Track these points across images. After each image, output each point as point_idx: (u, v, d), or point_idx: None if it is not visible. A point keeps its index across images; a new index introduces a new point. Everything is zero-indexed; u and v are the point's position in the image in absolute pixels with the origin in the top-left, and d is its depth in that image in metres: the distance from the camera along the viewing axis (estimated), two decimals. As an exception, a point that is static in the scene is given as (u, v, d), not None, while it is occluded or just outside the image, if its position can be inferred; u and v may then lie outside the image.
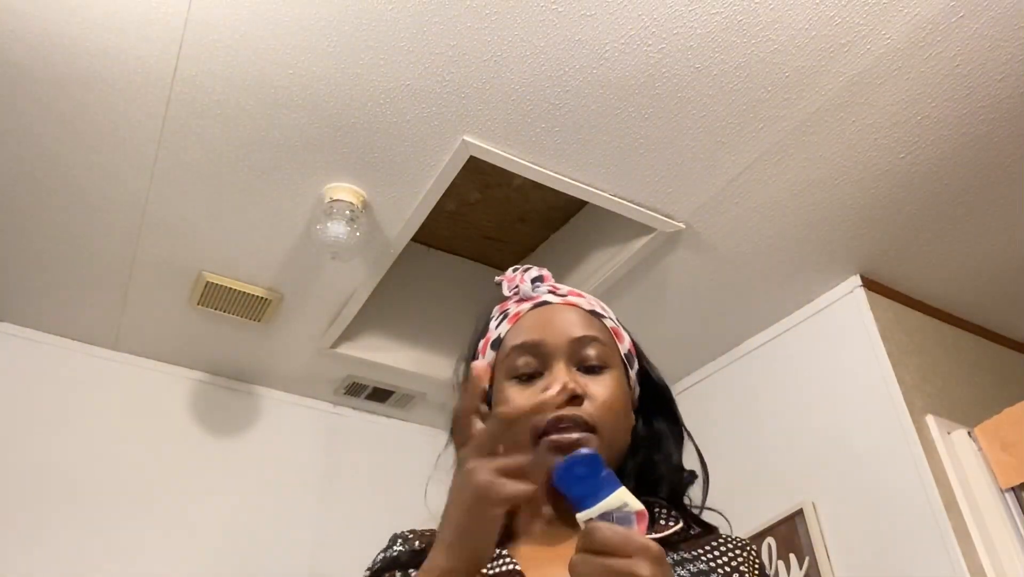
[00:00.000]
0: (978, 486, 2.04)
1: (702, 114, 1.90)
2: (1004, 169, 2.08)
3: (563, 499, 0.68)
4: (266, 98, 1.84)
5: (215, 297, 2.37)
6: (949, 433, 2.12)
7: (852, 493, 2.16)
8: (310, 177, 2.04)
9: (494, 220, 2.63)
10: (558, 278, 1.01)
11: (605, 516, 0.62)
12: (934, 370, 2.32)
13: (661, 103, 1.87)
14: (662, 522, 0.84)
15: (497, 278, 1.00)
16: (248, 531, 2.54)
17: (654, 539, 0.64)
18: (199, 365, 2.70)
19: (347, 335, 2.59)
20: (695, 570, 0.79)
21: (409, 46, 1.73)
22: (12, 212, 2.10)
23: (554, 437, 0.82)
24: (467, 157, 1.98)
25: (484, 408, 0.73)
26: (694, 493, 0.92)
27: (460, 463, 0.68)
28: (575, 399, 0.84)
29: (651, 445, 0.92)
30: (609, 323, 0.95)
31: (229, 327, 2.52)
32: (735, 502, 2.46)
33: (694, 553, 0.81)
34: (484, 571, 0.78)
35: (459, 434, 0.69)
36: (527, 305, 0.94)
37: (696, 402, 2.70)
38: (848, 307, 2.37)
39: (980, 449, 2.10)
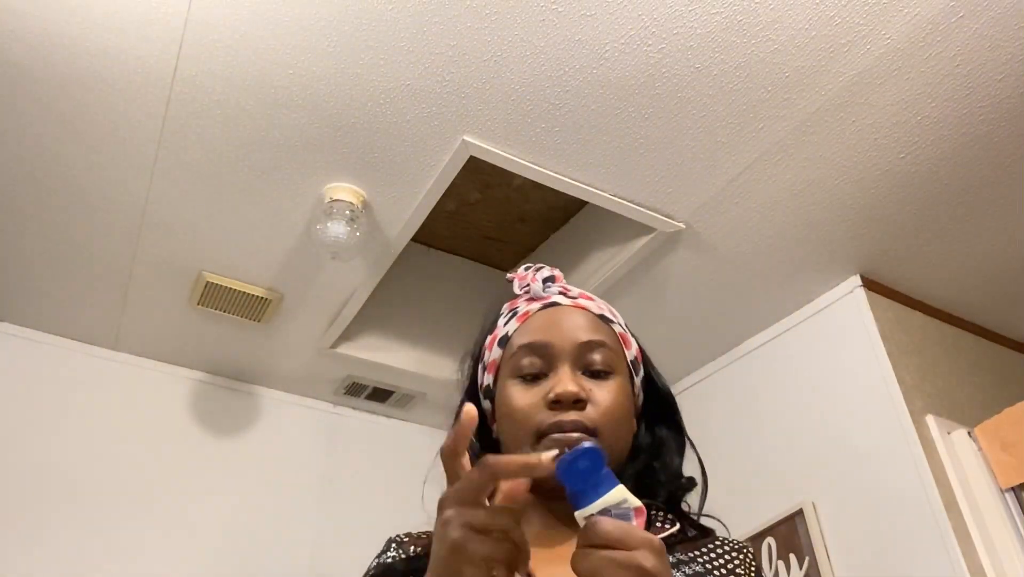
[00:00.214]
0: (978, 486, 2.04)
1: (702, 114, 1.90)
2: (1004, 169, 2.08)
3: (562, 500, 0.68)
4: (266, 98, 1.84)
5: (215, 297, 2.37)
6: (949, 433, 2.12)
7: (852, 493, 2.16)
8: (310, 177, 2.04)
9: (494, 220, 2.63)
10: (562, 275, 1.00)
11: (604, 513, 0.63)
12: (934, 370, 2.32)
13: (661, 103, 1.87)
14: (659, 525, 0.84)
15: (508, 275, 0.99)
16: (248, 531, 2.54)
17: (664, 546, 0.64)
18: (199, 365, 2.70)
19: (347, 335, 2.60)
20: (691, 573, 0.78)
21: (409, 46, 1.73)
22: (12, 212, 2.10)
23: (555, 437, 0.82)
24: (467, 157, 1.98)
25: (474, 442, 0.69)
26: (692, 500, 0.91)
27: (439, 507, 0.63)
28: (578, 403, 0.84)
29: (652, 452, 0.92)
30: (617, 328, 0.94)
31: (229, 327, 2.52)
32: (735, 502, 2.48)
33: (691, 555, 0.81)
34: None
35: (447, 476, 0.65)
36: (536, 305, 0.94)
37: (696, 402, 2.70)
38: (848, 307, 2.37)
39: (980, 449, 2.11)
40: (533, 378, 0.88)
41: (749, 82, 1.82)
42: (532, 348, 0.89)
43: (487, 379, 0.94)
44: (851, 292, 2.38)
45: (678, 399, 0.98)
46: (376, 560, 0.88)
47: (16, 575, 2.17)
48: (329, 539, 2.63)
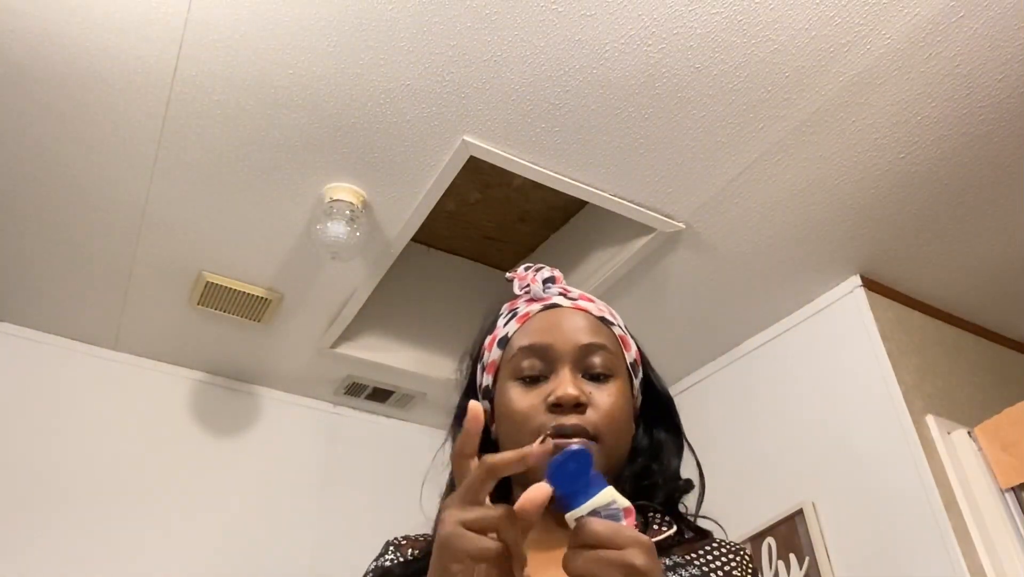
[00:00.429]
0: (978, 486, 2.04)
1: (702, 114, 1.90)
2: (1004, 169, 2.08)
3: (555, 502, 0.68)
4: (266, 98, 1.84)
5: (215, 297, 2.37)
6: (949, 433, 2.12)
7: (852, 493, 2.16)
8: (310, 177, 2.04)
9: (494, 220, 2.63)
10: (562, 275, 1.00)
11: (594, 514, 0.63)
12: (934, 370, 2.32)
13: (661, 103, 1.87)
14: (655, 527, 0.84)
15: (508, 274, 0.99)
16: (248, 531, 2.54)
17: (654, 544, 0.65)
18: (199, 365, 2.70)
19: (347, 335, 2.60)
20: (688, 575, 0.79)
21: (409, 46, 1.73)
22: (12, 212, 2.10)
23: (553, 441, 0.82)
24: (467, 157, 1.98)
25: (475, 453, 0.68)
26: (690, 501, 0.91)
27: (441, 508, 0.65)
28: (578, 407, 0.84)
29: (650, 454, 0.92)
30: (617, 331, 0.94)
31: (229, 327, 2.52)
32: (735, 502, 2.49)
33: (687, 558, 0.81)
34: None
35: (456, 478, 0.65)
36: (537, 306, 0.94)
37: (696, 402, 2.70)
38: (848, 307, 2.37)
39: (980, 449, 2.11)
40: (533, 380, 0.88)
41: (749, 82, 1.82)
42: (532, 350, 0.89)
43: (486, 380, 0.94)
44: (851, 292, 2.38)
45: (678, 399, 0.98)
46: (374, 563, 0.88)
47: (16, 575, 2.18)
48: (329, 539, 2.63)
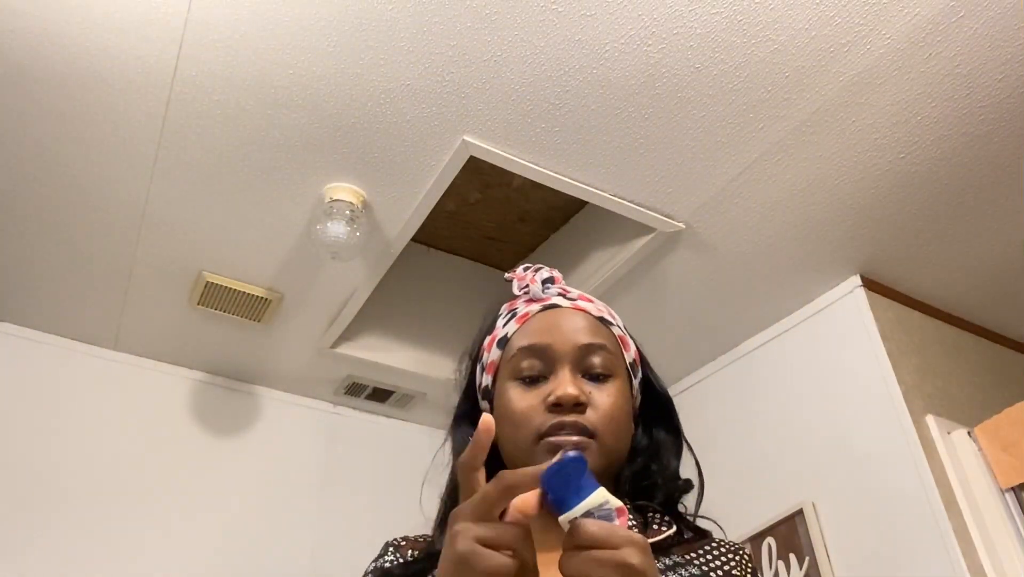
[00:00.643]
0: (978, 486, 2.04)
1: (702, 114, 1.90)
2: (1004, 169, 2.08)
3: (548, 505, 0.68)
4: (266, 98, 1.84)
5: (215, 297, 2.37)
6: (949, 433, 2.12)
7: (852, 493, 2.16)
8: (310, 177, 2.04)
9: (494, 220, 2.63)
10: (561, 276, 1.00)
11: (587, 515, 0.63)
12: (934, 370, 2.32)
13: (661, 103, 1.87)
14: (655, 527, 0.84)
15: (507, 275, 0.99)
16: (248, 531, 2.54)
17: (649, 543, 0.65)
18: (199, 365, 2.70)
19: (347, 335, 2.60)
20: (687, 575, 0.79)
21: (409, 46, 1.73)
22: (12, 212, 2.10)
23: (553, 440, 0.82)
24: (467, 157, 1.98)
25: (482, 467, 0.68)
26: (689, 501, 0.91)
27: (452, 520, 0.63)
28: (578, 406, 0.84)
29: (649, 454, 0.92)
30: (616, 331, 0.94)
31: (229, 327, 2.53)
32: (735, 502, 2.48)
33: (687, 557, 0.81)
34: None
35: (463, 489, 0.65)
36: (536, 307, 0.93)
37: (696, 402, 2.70)
38: (848, 307, 2.37)
39: (980, 449, 2.10)
40: (533, 380, 0.88)
41: (749, 82, 1.82)
42: (532, 350, 0.89)
43: (486, 380, 0.94)
44: (851, 292, 2.38)
45: (678, 399, 0.98)
46: (373, 563, 0.88)
47: (16, 575, 2.18)
48: (329, 539, 2.63)
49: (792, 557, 2.18)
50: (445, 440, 0.99)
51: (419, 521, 0.91)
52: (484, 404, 0.94)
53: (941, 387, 2.29)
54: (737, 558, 0.84)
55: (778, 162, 2.03)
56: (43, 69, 1.75)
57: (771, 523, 2.27)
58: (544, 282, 0.95)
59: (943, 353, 2.42)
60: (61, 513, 2.31)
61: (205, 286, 2.33)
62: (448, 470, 0.92)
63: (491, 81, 1.80)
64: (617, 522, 0.63)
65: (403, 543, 0.89)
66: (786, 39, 1.74)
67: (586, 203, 2.38)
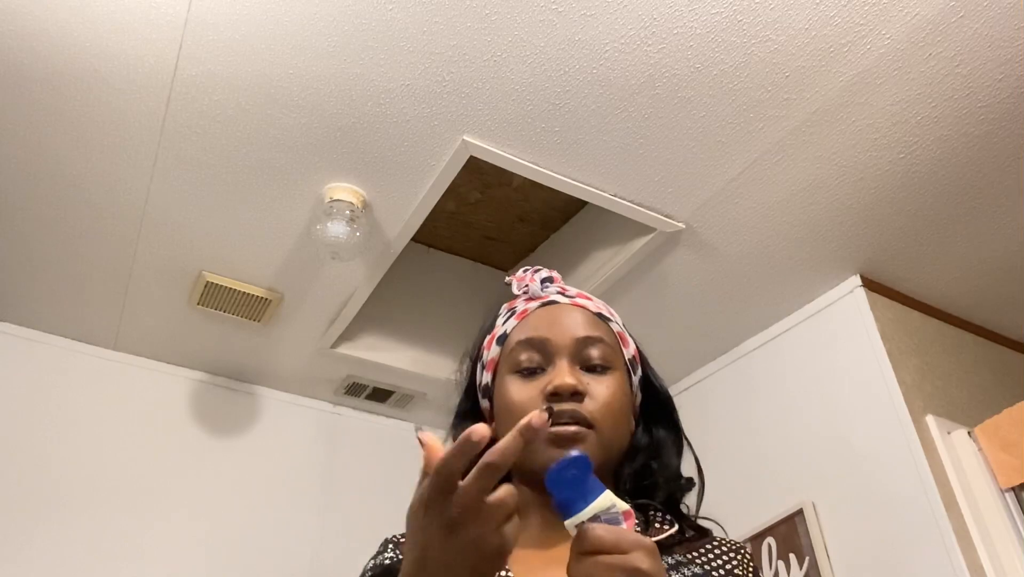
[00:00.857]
0: (978, 486, 2.04)
1: (702, 114, 1.90)
2: (1004, 169, 2.08)
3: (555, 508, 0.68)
4: (266, 98, 1.84)
5: (215, 297, 2.37)
6: (949, 433, 2.12)
7: (852, 493, 2.16)
8: (310, 177, 2.04)
9: (494, 220, 2.63)
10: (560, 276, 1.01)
11: (594, 519, 0.63)
12: (934, 370, 2.32)
13: (661, 103, 1.87)
14: (657, 525, 0.84)
15: (507, 278, 1.00)
16: (248, 531, 2.54)
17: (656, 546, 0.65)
18: (199, 365, 2.70)
19: (347, 335, 2.60)
20: (690, 574, 0.79)
21: (409, 46, 1.73)
22: (12, 212, 2.10)
23: (552, 430, 0.82)
24: (467, 157, 1.98)
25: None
26: (690, 500, 0.92)
27: (448, 526, 0.59)
28: (576, 395, 0.84)
29: (650, 452, 0.92)
30: (615, 327, 0.95)
31: (229, 327, 2.52)
32: (735, 502, 2.48)
33: (689, 556, 0.81)
34: None
35: (434, 489, 0.60)
36: (535, 304, 0.95)
37: (696, 402, 2.70)
38: (848, 307, 2.37)
39: (980, 449, 2.10)
40: (531, 373, 0.88)
41: (749, 82, 1.82)
42: (530, 343, 0.90)
43: (486, 377, 0.94)
44: (851, 292, 2.38)
45: (678, 399, 0.98)
46: (373, 561, 0.88)
47: (16, 575, 2.18)
48: (329, 539, 2.63)
49: (792, 557, 2.18)
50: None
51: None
52: (484, 402, 0.94)
53: (941, 387, 2.29)
54: (739, 557, 0.84)
55: (778, 162, 2.03)
56: (43, 69, 1.75)
57: (771, 523, 2.27)
58: (543, 281, 0.96)
59: (943, 353, 2.42)
60: (61, 513, 2.31)
61: (205, 286, 2.33)
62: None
63: (491, 81, 1.80)
64: (625, 526, 0.63)
65: (403, 540, 0.89)
66: (786, 39, 1.74)
67: (586, 203, 2.38)
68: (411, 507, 0.62)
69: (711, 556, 0.83)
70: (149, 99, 1.83)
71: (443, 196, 2.10)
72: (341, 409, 2.91)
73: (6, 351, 2.43)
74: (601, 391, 0.86)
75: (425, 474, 0.62)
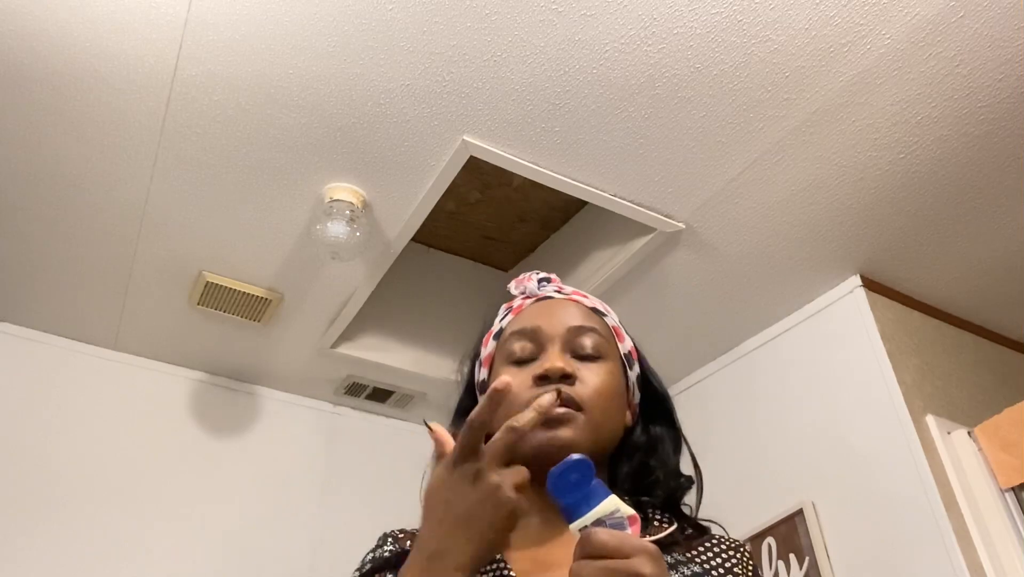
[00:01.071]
0: (978, 486, 2.04)
1: (702, 114, 1.90)
2: (1004, 169, 2.08)
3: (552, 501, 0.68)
4: (266, 98, 1.84)
5: (215, 297, 2.37)
6: (949, 433, 2.12)
7: (852, 493, 2.16)
8: (310, 177, 2.04)
9: (494, 220, 2.63)
10: (559, 278, 1.02)
11: (598, 523, 0.63)
12: (934, 370, 2.32)
13: (661, 103, 1.87)
14: (655, 524, 0.84)
15: (509, 285, 1.03)
16: (248, 531, 2.54)
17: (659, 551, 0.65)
18: (199, 365, 2.70)
19: (347, 335, 2.60)
20: (689, 573, 0.79)
21: (409, 46, 1.73)
22: (12, 212, 2.10)
23: (547, 419, 0.83)
24: (467, 157, 1.98)
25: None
26: (690, 500, 0.92)
27: (470, 475, 0.69)
28: (566, 378, 0.85)
29: (648, 450, 0.92)
30: (610, 321, 0.96)
31: (229, 327, 2.52)
32: (735, 502, 2.48)
33: (688, 555, 0.81)
34: None
35: (465, 442, 0.69)
36: (531, 300, 0.97)
37: (696, 402, 2.70)
38: (848, 307, 2.37)
39: (980, 449, 2.10)
40: (523, 361, 0.90)
41: (749, 82, 1.82)
42: (523, 333, 0.91)
43: (482, 373, 0.96)
44: (851, 292, 2.37)
45: (678, 399, 0.99)
46: (371, 554, 0.88)
47: (16, 575, 2.18)
48: (329, 539, 2.63)
49: (792, 557, 2.18)
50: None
51: (418, 521, 0.91)
52: (482, 399, 0.95)
53: (941, 387, 2.29)
54: (738, 555, 0.84)
55: (778, 162, 2.03)
56: (43, 69, 1.75)
57: (771, 523, 2.27)
58: (540, 281, 0.99)
59: (943, 353, 2.42)
60: (61, 513, 2.31)
61: (205, 286, 2.33)
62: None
63: (491, 81, 1.80)
64: (629, 531, 0.63)
65: (401, 535, 0.89)
66: (786, 39, 1.74)
67: (586, 203, 2.38)
68: (434, 475, 0.72)
69: (710, 555, 0.83)
70: (149, 99, 1.83)
71: (443, 196, 2.10)
72: (341, 409, 2.91)
73: (6, 351, 2.43)
74: (591, 377, 0.87)
75: (439, 456, 0.72)
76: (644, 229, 2.24)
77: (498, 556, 0.80)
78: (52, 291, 2.37)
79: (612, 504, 0.64)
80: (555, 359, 0.86)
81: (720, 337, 2.65)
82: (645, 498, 0.86)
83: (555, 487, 0.65)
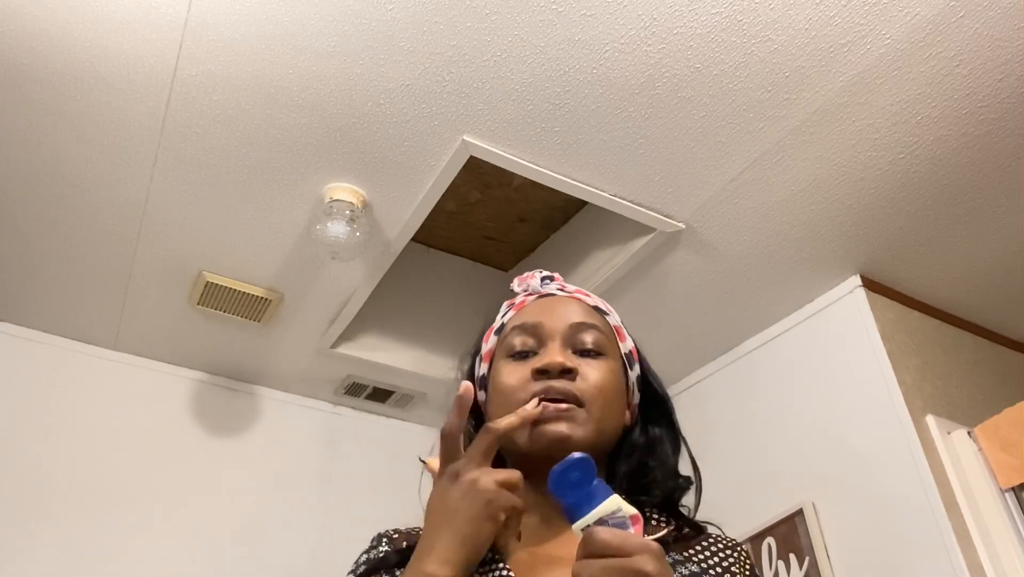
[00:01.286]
0: (978, 486, 2.04)
1: (702, 114, 1.90)
2: (1004, 169, 2.08)
3: (553, 500, 0.68)
4: (266, 98, 1.84)
5: (215, 297, 2.37)
6: (949, 433, 2.12)
7: (852, 493, 2.16)
8: (310, 177, 2.04)
9: (494, 220, 2.63)
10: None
11: (600, 523, 0.63)
12: (934, 370, 2.32)
13: (661, 103, 1.87)
14: (653, 523, 0.84)
15: (511, 284, 1.03)
16: (248, 531, 2.54)
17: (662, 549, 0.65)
18: (199, 365, 2.70)
19: (347, 335, 2.60)
20: (687, 572, 0.79)
21: (409, 46, 1.73)
22: (12, 212, 2.10)
23: (546, 411, 0.83)
24: (467, 157, 1.98)
25: (470, 429, 0.81)
26: (688, 500, 0.92)
27: (452, 476, 0.73)
28: (566, 372, 0.85)
29: (647, 450, 0.92)
30: (612, 320, 0.97)
31: (229, 327, 2.53)
32: (735, 502, 2.48)
33: (685, 555, 0.82)
34: None
35: (445, 451, 0.74)
36: (532, 297, 0.98)
37: (696, 402, 2.70)
38: (848, 307, 2.37)
39: (980, 449, 2.10)
40: (524, 356, 0.90)
41: (749, 82, 1.82)
42: (524, 328, 0.92)
43: (482, 369, 0.96)
44: (851, 292, 2.37)
45: (677, 399, 0.99)
46: (366, 555, 0.88)
47: (15, 575, 2.18)
48: (329, 539, 2.63)
49: (792, 557, 2.18)
50: (432, 449, 0.99)
51: (418, 520, 0.91)
52: (482, 394, 0.95)
53: (941, 387, 2.29)
54: (736, 555, 0.84)
55: (778, 162, 2.03)
56: (43, 69, 1.75)
57: (771, 523, 2.27)
58: (543, 279, 0.99)
59: (943, 353, 2.42)
60: (60, 513, 2.31)
61: (205, 286, 2.33)
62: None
63: (491, 81, 1.80)
64: (632, 530, 0.63)
65: (395, 535, 0.89)
66: (786, 39, 1.74)
67: (586, 203, 2.38)
68: (430, 493, 0.77)
69: (707, 554, 0.83)
70: (149, 99, 1.83)
71: (443, 196, 2.10)
72: (341, 409, 2.91)
73: (6, 351, 2.43)
74: (592, 373, 0.87)
75: (436, 482, 0.77)
76: (644, 229, 2.24)
77: (496, 556, 0.80)
78: (52, 291, 2.37)
79: (614, 503, 0.64)
80: (555, 354, 0.87)
81: (720, 337, 2.65)
82: (643, 498, 0.85)
83: (556, 486, 0.65)
